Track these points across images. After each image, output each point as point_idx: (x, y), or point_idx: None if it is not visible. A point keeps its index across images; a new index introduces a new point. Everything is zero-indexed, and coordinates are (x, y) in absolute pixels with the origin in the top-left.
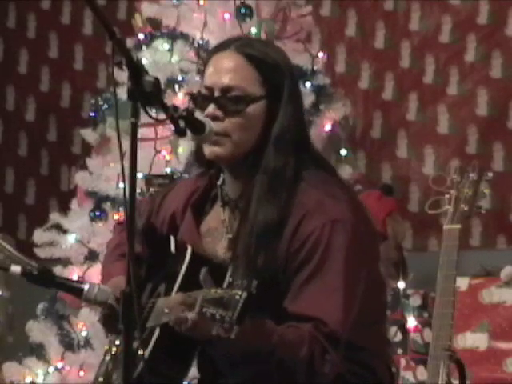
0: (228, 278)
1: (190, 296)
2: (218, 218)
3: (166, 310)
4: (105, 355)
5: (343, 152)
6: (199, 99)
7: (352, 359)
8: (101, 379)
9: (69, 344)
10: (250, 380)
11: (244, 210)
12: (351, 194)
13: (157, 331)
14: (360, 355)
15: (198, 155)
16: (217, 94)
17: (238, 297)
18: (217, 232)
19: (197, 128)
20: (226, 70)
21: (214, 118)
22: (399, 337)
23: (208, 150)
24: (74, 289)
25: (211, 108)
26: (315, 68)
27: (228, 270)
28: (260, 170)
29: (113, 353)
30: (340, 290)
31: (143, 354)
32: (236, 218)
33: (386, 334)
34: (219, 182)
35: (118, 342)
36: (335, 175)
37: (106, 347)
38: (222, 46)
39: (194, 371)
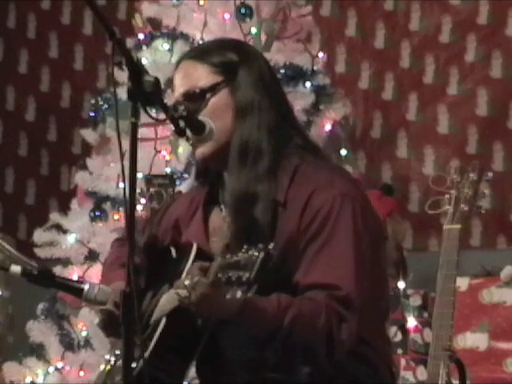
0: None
1: (206, 264)
2: (220, 216)
3: (187, 282)
4: (105, 365)
5: (343, 152)
6: (172, 113)
7: (355, 353)
8: None
9: (69, 344)
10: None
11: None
12: (353, 178)
13: (162, 323)
14: (363, 349)
15: (198, 167)
16: (179, 100)
17: (254, 257)
18: (221, 231)
19: (197, 128)
20: (181, 79)
21: None
22: (399, 337)
23: (195, 153)
24: (74, 289)
25: None
26: (315, 68)
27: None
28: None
29: (111, 364)
30: (351, 259)
31: (143, 353)
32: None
33: (386, 333)
34: (220, 182)
35: (117, 352)
36: (333, 162)
37: (103, 366)
38: (178, 61)
39: (194, 371)
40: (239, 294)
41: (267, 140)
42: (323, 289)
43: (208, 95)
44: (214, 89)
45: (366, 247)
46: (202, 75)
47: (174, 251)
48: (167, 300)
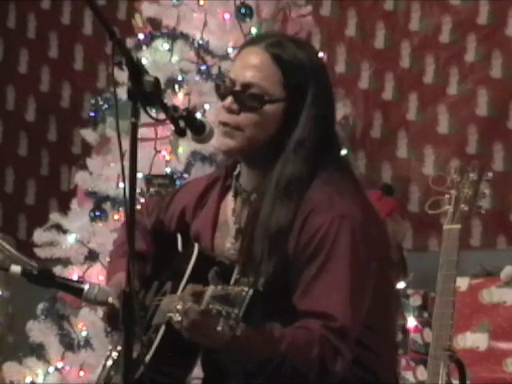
0: (235, 276)
1: (199, 289)
2: (227, 209)
3: (176, 299)
4: (106, 360)
5: (343, 152)
6: (222, 88)
7: (357, 360)
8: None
9: (69, 344)
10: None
11: (256, 208)
12: (363, 195)
13: (162, 329)
14: (365, 357)
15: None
16: (237, 88)
17: (244, 293)
18: (226, 226)
19: (197, 128)
20: (251, 67)
21: (229, 111)
22: (399, 337)
23: (219, 141)
24: (74, 289)
25: (229, 100)
26: None
27: (234, 269)
28: (276, 171)
29: (114, 357)
30: (347, 285)
31: (144, 355)
32: (246, 210)
33: (394, 340)
34: (235, 173)
35: (119, 348)
36: (352, 176)
37: (108, 352)
38: (254, 41)
39: (195, 371)
40: (227, 329)
41: (310, 175)
42: (318, 317)
43: (267, 106)
44: (275, 101)
45: (365, 269)
46: (273, 81)
47: (180, 241)
48: (166, 308)
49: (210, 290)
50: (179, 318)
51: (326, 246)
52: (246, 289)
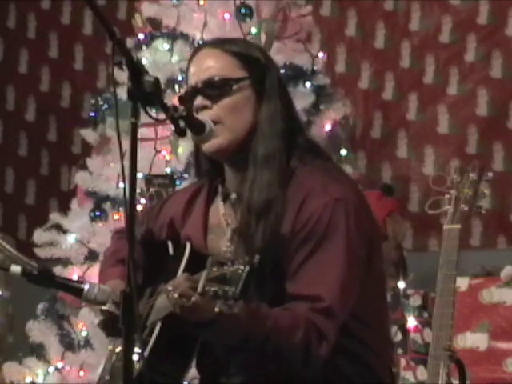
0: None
1: (193, 276)
2: (218, 213)
3: (170, 288)
4: (110, 355)
5: (343, 152)
6: (186, 98)
7: (351, 354)
8: (107, 377)
9: (69, 344)
10: (250, 371)
11: (242, 197)
12: (351, 179)
13: (157, 326)
14: (360, 350)
15: (198, 166)
16: (200, 86)
17: (240, 271)
18: (219, 228)
19: (197, 128)
20: (205, 64)
21: (204, 107)
22: (399, 337)
23: (207, 145)
24: (74, 289)
25: (198, 99)
26: (315, 68)
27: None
28: (251, 155)
29: (118, 351)
30: (338, 267)
31: (143, 353)
32: (237, 211)
33: (387, 333)
34: (220, 179)
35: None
36: (332, 162)
37: (110, 347)
38: (201, 46)
39: (194, 371)
40: (225, 309)
41: (284, 149)
42: (306, 300)
43: (234, 86)
44: (240, 81)
45: (359, 253)
46: (231, 67)
47: (170, 246)
48: (162, 304)
49: (205, 273)
50: (176, 307)
51: (320, 229)
52: (241, 267)
